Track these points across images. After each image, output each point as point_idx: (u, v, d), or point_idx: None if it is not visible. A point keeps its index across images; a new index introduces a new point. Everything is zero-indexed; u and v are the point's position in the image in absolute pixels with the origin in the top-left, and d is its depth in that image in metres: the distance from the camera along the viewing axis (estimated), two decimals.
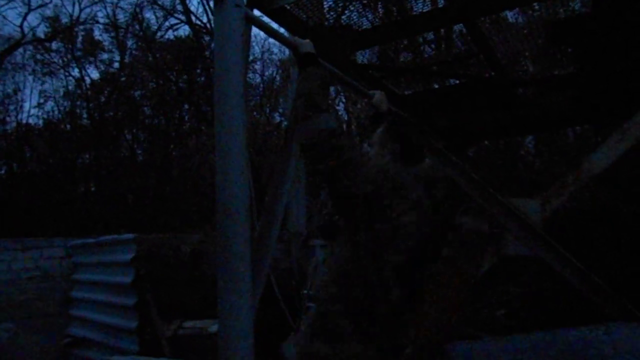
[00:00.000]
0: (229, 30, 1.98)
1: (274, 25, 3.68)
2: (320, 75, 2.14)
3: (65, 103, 23.28)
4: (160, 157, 21.81)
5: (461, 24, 4.84)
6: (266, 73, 24.05)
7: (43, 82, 23.24)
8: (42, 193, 19.20)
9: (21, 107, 23.19)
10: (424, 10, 4.64)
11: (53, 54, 22.65)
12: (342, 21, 4.87)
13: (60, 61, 22.81)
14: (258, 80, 23.32)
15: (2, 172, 20.98)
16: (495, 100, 6.05)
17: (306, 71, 2.15)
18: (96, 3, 22.47)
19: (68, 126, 22.78)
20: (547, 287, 6.51)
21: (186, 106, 23.12)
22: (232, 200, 1.91)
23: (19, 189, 19.74)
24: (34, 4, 21.10)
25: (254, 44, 22.62)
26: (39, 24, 26.92)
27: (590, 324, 3.67)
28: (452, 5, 4.29)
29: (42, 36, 22.05)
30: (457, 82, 6.07)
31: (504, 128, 6.98)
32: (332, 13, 4.79)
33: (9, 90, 22.64)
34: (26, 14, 20.98)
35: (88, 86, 22.87)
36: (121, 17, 23.06)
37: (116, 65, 23.46)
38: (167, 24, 22.97)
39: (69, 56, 22.57)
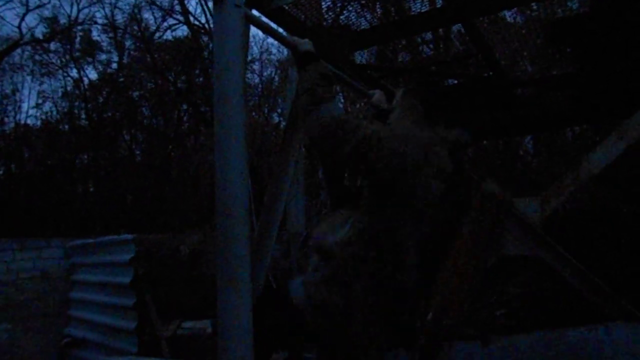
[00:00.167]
0: (228, 30, 1.97)
1: (273, 26, 3.68)
2: (321, 68, 2.13)
3: (64, 103, 23.31)
4: (159, 158, 21.79)
5: (459, 24, 4.84)
6: (265, 73, 24.07)
7: (41, 83, 23.29)
8: (41, 193, 19.19)
9: (19, 107, 23.24)
10: (422, 11, 4.64)
11: (51, 55, 22.67)
12: (341, 21, 4.87)
13: (59, 62, 22.83)
14: (257, 80, 23.34)
15: (1, 172, 20.97)
16: (494, 100, 6.04)
17: (306, 69, 2.15)
18: (94, 3, 22.48)
19: (66, 127, 22.77)
20: (547, 287, 6.51)
21: (185, 106, 23.11)
22: (231, 200, 1.91)
23: (17, 189, 19.74)
24: (32, 4, 21.09)
25: (252, 44, 22.65)
26: (37, 25, 26.83)
27: (590, 324, 3.67)
28: (450, 5, 4.28)
29: (41, 37, 22.05)
30: (456, 82, 6.07)
31: (503, 128, 6.98)
32: (330, 13, 4.79)
33: (7, 91, 22.68)
34: (24, 15, 20.97)
35: (86, 87, 22.88)
36: (119, 18, 23.08)
37: (114, 65, 23.47)
38: (165, 24, 23.03)
39: (67, 57, 22.57)
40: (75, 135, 21.71)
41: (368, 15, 4.95)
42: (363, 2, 4.82)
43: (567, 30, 4.68)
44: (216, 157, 1.94)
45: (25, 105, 30.65)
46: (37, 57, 22.55)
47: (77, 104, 23.12)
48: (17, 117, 22.91)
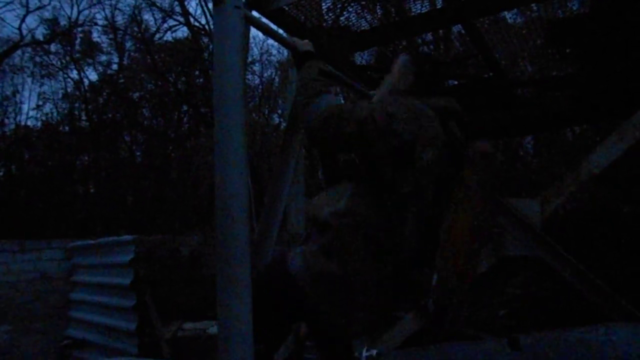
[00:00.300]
0: (228, 32, 1.97)
1: (272, 27, 3.68)
2: (319, 65, 2.14)
3: (64, 105, 23.31)
4: (159, 159, 21.80)
5: (460, 25, 4.84)
6: (265, 74, 24.08)
7: (42, 84, 23.33)
8: (41, 195, 19.21)
9: (20, 109, 23.30)
10: (422, 11, 4.64)
11: (52, 56, 22.67)
12: (341, 22, 4.87)
13: (59, 63, 22.83)
14: (257, 81, 23.35)
15: (1, 174, 20.97)
16: (494, 101, 6.05)
17: (304, 66, 2.16)
18: (94, 5, 22.50)
19: (67, 128, 22.78)
20: (547, 288, 6.51)
21: (185, 108, 23.10)
22: (231, 201, 1.91)
23: (17, 190, 19.76)
24: (32, 6, 21.14)
25: (252, 45, 22.64)
26: (37, 26, 26.94)
27: (590, 324, 3.67)
28: (450, 6, 4.29)
29: (41, 38, 22.06)
30: (456, 82, 6.07)
31: (503, 128, 6.98)
32: (330, 14, 4.79)
33: (8, 93, 22.69)
34: (24, 16, 20.99)
35: (87, 88, 22.88)
36: (120, 19, 23.06)
37: (115, 67, 23.48)
38: (165, 25, 22.99)
39: (68, 58, 22.57)
40: (75, 136, 21.71)
41: (368, 16, 4.95)
42: (363, 3, 4.83)
43: (567, 31, 4.69)
44: (216, 158, 1.95)
45: (25, 107, 30.69)
46: (37, 59, 22.58)
47: (77, 105, 23.14)
48: (18, 118, 22.97)
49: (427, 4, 4.63)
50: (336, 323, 2.01)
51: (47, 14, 25.94)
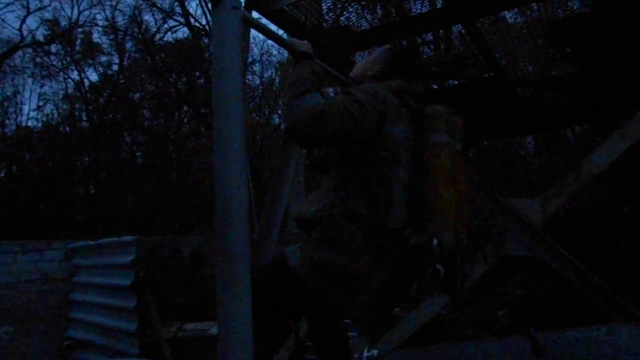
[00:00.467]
0: (227, 33, 1.97)
1: (273, 27, 3.69)
2: (313, 66, 2.16)
3: (65, 106, 23.36)
4: (159, 160, 21.81)
5: (460, 25, 4.84)
6: (265, 75, 24.12)
7: (42, 85, 23.34)
8: (42, 196, 19.23)
9: (21, 110, 23.31)
10: (423, 11, 4.64)
11: (52, 57, 22.73)
12: (341, 22, 4.87)
13: (60, 64, 22.88)
14: (257, 82, 23.37)
15: (2, 175, 21.00)
16: (495, 101, 6.04)
17: (298, 65, 2.19)
18: (95, 6, 22.51)
19: (67, 129, 22.82)
20: (547, 288, 6.51)
21: (185, 108, 23.14)
22: (231, 202, 1.91)
23: (18, 191, 19.78)
24: (33, 7, 21.15)
25: (253, 46, 22.66)
26: (38, 27, 26.90)
27: (591, 324, 3.67)
28: (451, 6, 4.29)
29: (42, 39, 22.09)
30: (457, 82, 6.07)
31: (504, 128, 6.98)
32: (331, 14, 4.79)
33: (9, 94, 22.72)
34: (25, 17, 21.05)
35: (87, 89, 22.92)
36: (120, 20, 23.09)
37: (115, 67, 23.50)
38: (166, 26, 23.01)
39: (68, 59, 22.62)
40: (76, 137, 21.75)
41: (369, 17, 4.95)
42: (364, 3, 4.83)
43: (568, 31, 4.68)
44: (216, 158, 1.94)
45: (26, 108, 30.82)
46: (38, 60, 22.63)
47: (78, 106, 23.18)
48: (19, 119, 23.02)
49: (427, 4, 4.63)
50: (341, 309, 2.05)
51: (47, 15, 26.02)
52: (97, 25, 23.19)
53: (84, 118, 22.86)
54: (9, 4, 21.05)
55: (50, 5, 21.74)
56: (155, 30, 23.03)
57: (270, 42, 22.89)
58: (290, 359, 4.54)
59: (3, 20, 24.92)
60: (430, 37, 6.90)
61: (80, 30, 22.86)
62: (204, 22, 21.99)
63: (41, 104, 23.13)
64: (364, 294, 2.00)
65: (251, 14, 4.04)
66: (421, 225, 2.02)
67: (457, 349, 3.92)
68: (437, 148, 2.06)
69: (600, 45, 4.79)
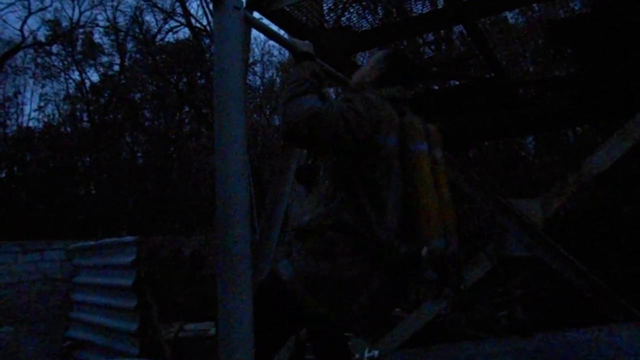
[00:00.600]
0: (227, 33, 1.97)
1: (274, 28, 3.69)
2: (314, 66, 2.16)
3: (66, 106, 23.36)
4: (160, 160, 21.82)
5: (461, 25, 4.84)
6: (266, 75, 24.13)
7: (43, 86, 23.35)
8: (43, 196, 19.23)
9: (22, 110, 23.34)
10: (424, 12, 4.64)
11: (53, 57, 22.74)
12: (342, 23, 4.87)
13: (61, 64, 22.89)
14: (258, 82, 23.38)
15: (3, 175, 21.00)
16: (496, 101, 6.05)
17: (299, 64, 2.18)
18: (96, 6, 22.55)
19: (68, 129, 22.83)
20: (548, 288, 6.51)
21: (186, 109, 23.14)
22: (232, 202, 1.90)
23: (19, 191, 19.78)
24: (34, 7, 21.18)
25: (253, 46, 22.69)
26: (39, 28, 26.99)
27: (591, 325, 3.67)
28: (452, 7, 4.29)
29: (43, 39, 22.11)
30: (457, 83, 6.07)
31: (504, 128, 6.98)
32: (331, 15, 4.79)
33: (10, 94, 22.73)
34: (26, 18, 21.07)
35: (88, 89, 22.92)
36: (121, 20, 23.12)
37: (116, 68, 23.51)
38: (167, 26, 23.02)
39: (69, 59, 22.63)
40: (77, 137, 21.75)
41: (369, 17, 4.95)
42: (364, 3, 4.83)
43: (568, 31, 4.69)
44: (216, 158, 1.94)
45: (27, 108, 30.84)
46: (39, 60, 22.65)
47: (78, 106, 23.19)
48: (20, 119, 23.03)
49: (428, 4, 4.63)
50: (335, 322, 2.04)
51: (48, 16, 26.05)
52: (98, 25, 23.26)
53: (85, 118, 22.88)
54: (10, 4, 21.10)
55: (51, 5, 21.79)
56: (156, 30, 23.08)
57: (271, 42, 22.99)
58: (290, 359, 4.54)
59: (4, 21, 24.91)
60: (431, 37, 6.91)
61: (81, 30, 22.91)
62: (204, 22, 22.03)
63: (42, 104, 23.19)
64: (356, 303, 2.00)
65: (252, 14, 4.05)
66: (410, 234, 2.02)
67: (457, 349, 3.92)
68: (417, 157, 2.06)
69: (600, 46, 4.79)
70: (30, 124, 23.10)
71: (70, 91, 23.37)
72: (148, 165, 22.11)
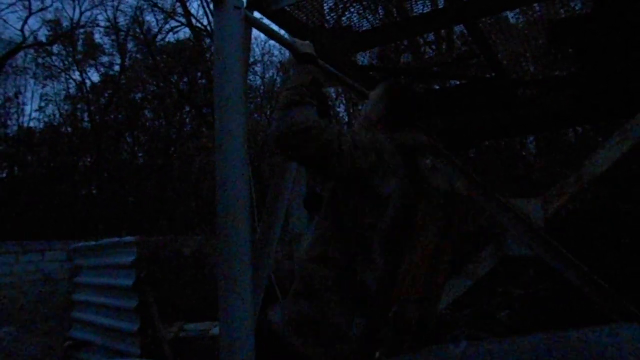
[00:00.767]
0: (228, 33, 1.98)
1: (275, 27, 3.69)
2: (315, 72, 2.13)
3: (67, 106, 23.38)
4: (161, 160, 21.83)
5: (462, 25, 4.84)
6: (267, 75, 24.14)
7: (44, 86, 23.37)
8: (44, 196, 19.23)
9: (22, 110, 23.34)
10: (424, 12, 4.64)
11: (54, 58, 22.77)
12: (343, 23, 4.87)
13: (61, 65, 22.91)
14: (259, 82, 23.39)
15: (4, 175, 21.02)
16: (496, 101, 6.05)
17: (300, 68, 2.15)
18: (97, 6, 22.60)
19: (69, 129, 22.84)
20: (549, 288, 6.51)
21: (187, 109, 23.14)
22: (232, 202, 1.91)
23: (20, 192, 19.77)
24: (34, 7, 21.20)
25: (254, 46, 22.72)
26: (40, 28, 27.00)
27: (591, 325, 3.67)
28: (453, 7, 4.29)
29: (43, 40, 22.13)
30: (458, 82, 6.07)
31: (505, 128, 6.98)
32: (332, 15, 4.79)
33: (11, 94, 22.75)
34: (27, 18, 21.08)
35: (89, 89, 22.93)
36: (122, 21, 23.14)
37: (117, 68, 23.53)
38: (167, 26, 23.03)
39: (70, 60, 22.65)
40: (77, 137, 21.77)
41: (370, 17, 4.95)
42: (365, 3, 4.83)
43: (569, 31, 4.68)
44: (217, 159, 1.95)
45: (28, 108, 30.84)
46: (40, 60, 22.70)
47: (79, 106, 23.22)
48: (21, 120, 23.04)
49: (429, 4, 4.63)
50: None
51: (49, 16, 26.09)
52: (98, 25, 23.30)
53: (86, 118, 22.91)
54: (11, 5, 21.11)
55: (52, 5, 21.80)
56: (156, 30, 23.10)
57: (271, 42, 23.00)
58: None
59: (5, 21, 25.03)
60: (432, 37, 6.92)
61: (81, 30, 22.94)
62: (205, 22, 22.06)
63: (43, 104, 23.22)
64: (345, 343, 1.94)
65: (252, 14, 4.05)
66: (390, 284, 1.98)
67: (457, 349, 3.92)
68: (425, 229, 2.00)
69: (601, 46, 4.79)
70: (31, 124, 23.16)
71: (71, 91, 23.44)
72: (149, 166, 22.12)
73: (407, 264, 1.95)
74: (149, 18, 33.84)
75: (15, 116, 22.80)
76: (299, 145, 1.85)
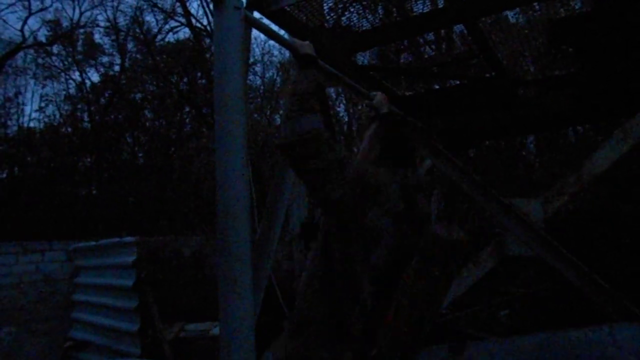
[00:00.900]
0: (228, 33, 1.98)
1: (274, 27, 3.69)
2: (317, 77, 2.13)
3: (66, 106, 23.36)
4: (161, 160, 21.82)
5: (461, 25, 4.84)
6: (267, 75, 24.14)
7: (44, 86, 23.35)
8: (43, 196, 19.22)
9: (22, 110, 23.32)
10: (424, 11, 4.64)
11: (54, 58, 22.73)
12: (342, 22, 4.87)
13: (61, 65, 22.88)
14: (259, 82, 23.39)
15: (4, 175, 21.01)
16: (496, 101, 6.05)
17: (304, 72, 2.15)
18: (96, 6, 22.53)
19: (69, 129, 22.82)
20: (548, 288, 6.51)
21: (187, 109, 23.14)
22: (232, 202, 1.91)
23: (20, 192, 19.76)
24: (34, 7, 21.17)
25: (254, 46, 22.71)
26: (39, 28, 26.94)
27: (592, 324, 3.67)
28: (452, 6, 4.28)
29: (43, 40, 22.10)
30: (458, 82, 6.07)
31: (505, 128, 6.98)
32: (332, 14, 4.79)
33: (11, 94, 22.75)
34: (27, 18, 21.03)
35: (89, 89, 22.92)
36: (121, 20, 23.10)
37: (117, 68, 23.51)
38: (167, 26, 23.01)
39: (70, 59, 22.62)
40: (77, 137, 21.76)
41: (370, 16, 4.95)
42: (365, 3, 4.82)
43: (569, 30, 4.68)
44: (217, 159, 1.95)
45: (28, 109, 30.82)
46: (39, 60, 22.66)
47: (79, 106, 23.19)
48: (20, 120, 23.03)
49: (428, 3, 4.63)
50: None
51: (49, 16, 25.97)
52: (98, 25, 23.24)
53: (86, 118, 22.87)
54: (10, 5, 21.09)
55: (51, 5, 21.75)
56: (156, 30, 23.06)
57: (271, 42, 23.01)
58: None
59: (4, 21, 24.98)
60: (431, 36, 6.91)
61: (81, 30, 22.89)
62: (205, 22, 22.03)
63: (43, 104, 23.16)
64: None
65: (252, 14, 4.04)
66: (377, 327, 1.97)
67: (457, 349, 3.92)
68: (417, 279, 1.98)
69: (601, 45, 4.79)
70: (31, 125, 23.14)
71: (71, 91, 23.40)
72: (149, 166, 22.11)
73: (394, 309, 1.94)
74: (149, 18, 33.80)
75: (15, 116, 22.82)
76: (302, 153, 1.88)
